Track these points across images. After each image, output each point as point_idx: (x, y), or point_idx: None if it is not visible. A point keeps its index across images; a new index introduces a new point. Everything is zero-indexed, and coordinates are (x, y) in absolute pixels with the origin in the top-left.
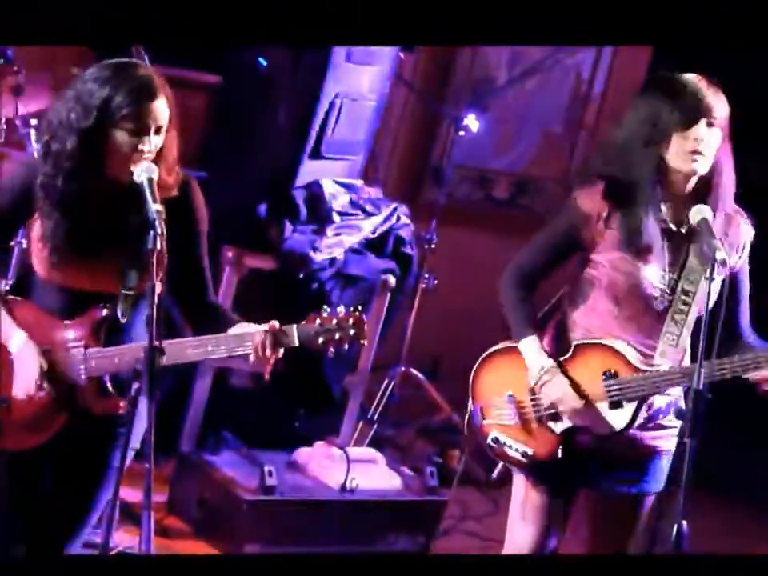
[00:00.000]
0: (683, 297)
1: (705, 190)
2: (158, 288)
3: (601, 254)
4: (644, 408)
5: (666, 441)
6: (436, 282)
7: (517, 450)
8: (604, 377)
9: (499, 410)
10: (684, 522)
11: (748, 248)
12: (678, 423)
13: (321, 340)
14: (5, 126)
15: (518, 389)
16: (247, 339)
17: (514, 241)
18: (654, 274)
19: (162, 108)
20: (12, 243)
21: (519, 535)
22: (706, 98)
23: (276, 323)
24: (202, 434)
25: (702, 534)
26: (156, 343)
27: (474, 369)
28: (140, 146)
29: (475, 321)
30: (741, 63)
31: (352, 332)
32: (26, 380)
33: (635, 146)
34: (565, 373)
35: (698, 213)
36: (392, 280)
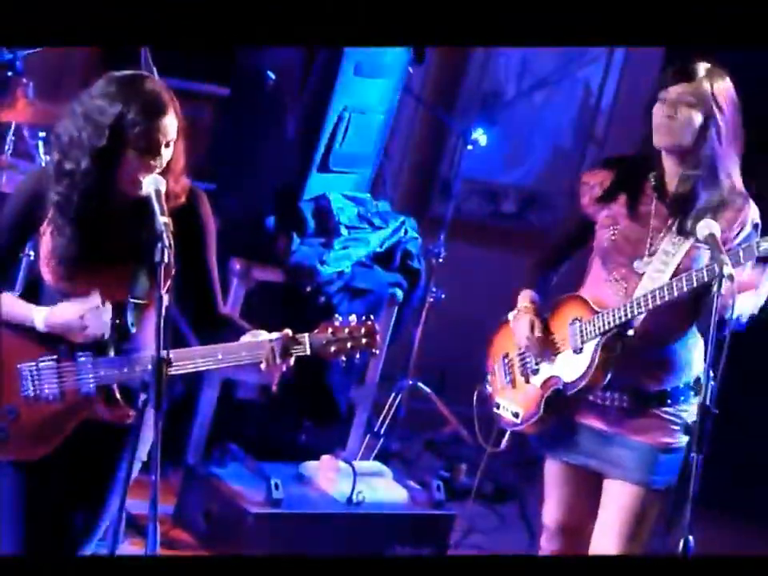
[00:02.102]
0: (663, 257)
1: (695, 165)
2: (166, 300)
3: (597, 220)
4: (599, 354)
5: (669, 435)
6: (443, 295)
7: (508, 410)
8: (570, 323)
9: (498, 374)
10: (690, 537)
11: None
12: (683, 418)
13: (333, 349)
14: (14, 137)
15: (510, 348)
16: (257, 348)
17: (522, 255)
18: (635, 231)
19: (171, 123)
20: (21, 255)
21: (546, 507)
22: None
23: (289, 331)
24: (209, 446)
25: (706, 550)
26: (164, 354)
27: (489, 341)
28: (152, 163)
29: (483, 335)
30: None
31: (364, 341)
32: (90, 317)
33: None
34: (545, 325)
35: (706, 227)
36: (399, 294)
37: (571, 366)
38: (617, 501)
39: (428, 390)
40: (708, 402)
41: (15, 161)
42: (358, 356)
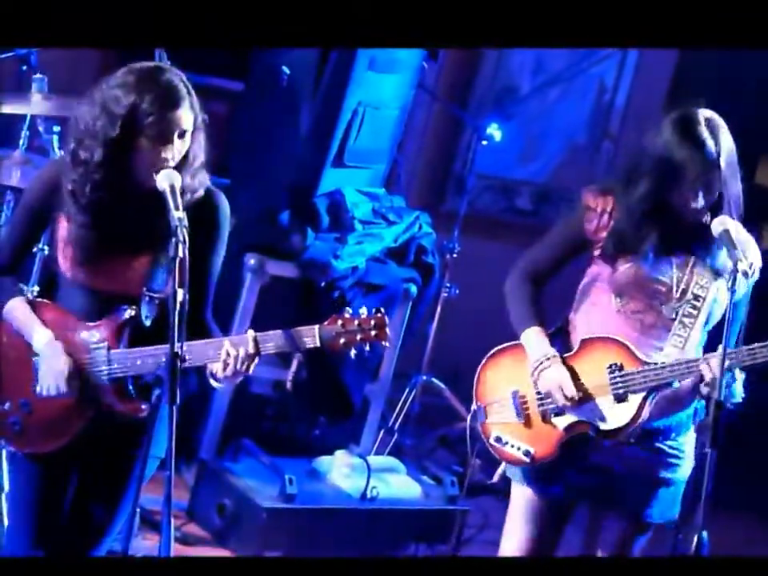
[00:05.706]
0: (693, 301)
1: (717, 203)
2: (180, 295)
3: (605, 248)
4: (647, 408)
5: (669, 470)
6: (458, 291)
7: (519, 448)
8: (609, 369)
9: (502, 408)
10: (705, 533)
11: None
12: (684, 450)
13: (342, 341)
14: (28, 132)
15: (522, 385)
16: (267, 340)
17: None
18: (659, 268)
19: (186, 114)
20: (35, 250)
21: (509, 543)
22: (696, 158)
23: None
24: (223, 441)
25: (719, 548)
26: (177, 350)
27: (478, 369)
28: (163, 154)
29: (496, 330)
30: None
31: (374, 333)
32: (53, 377)
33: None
34: (568, 366)
35: (720, 224)
36: (413, 289)
37: (612, 414)
38: (609, 532)
39: (442, 385)
40: (721, 398)
41: (30, 156)
42: (368, 348)
